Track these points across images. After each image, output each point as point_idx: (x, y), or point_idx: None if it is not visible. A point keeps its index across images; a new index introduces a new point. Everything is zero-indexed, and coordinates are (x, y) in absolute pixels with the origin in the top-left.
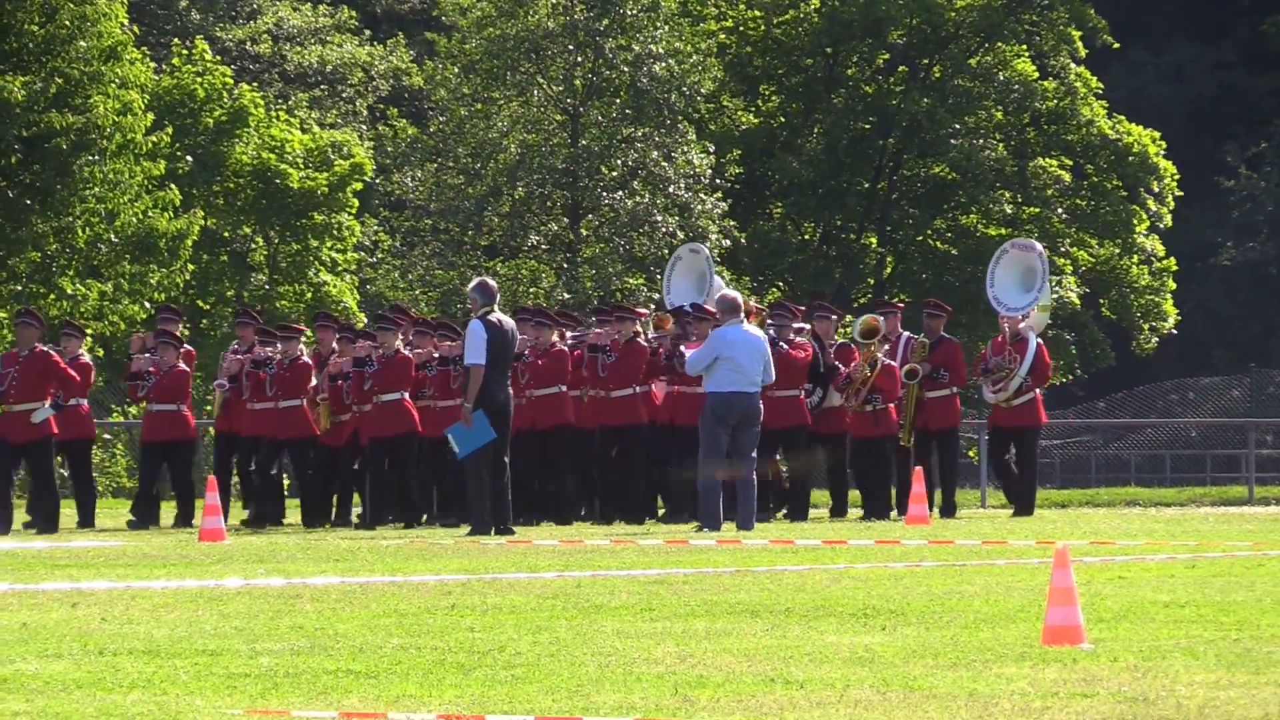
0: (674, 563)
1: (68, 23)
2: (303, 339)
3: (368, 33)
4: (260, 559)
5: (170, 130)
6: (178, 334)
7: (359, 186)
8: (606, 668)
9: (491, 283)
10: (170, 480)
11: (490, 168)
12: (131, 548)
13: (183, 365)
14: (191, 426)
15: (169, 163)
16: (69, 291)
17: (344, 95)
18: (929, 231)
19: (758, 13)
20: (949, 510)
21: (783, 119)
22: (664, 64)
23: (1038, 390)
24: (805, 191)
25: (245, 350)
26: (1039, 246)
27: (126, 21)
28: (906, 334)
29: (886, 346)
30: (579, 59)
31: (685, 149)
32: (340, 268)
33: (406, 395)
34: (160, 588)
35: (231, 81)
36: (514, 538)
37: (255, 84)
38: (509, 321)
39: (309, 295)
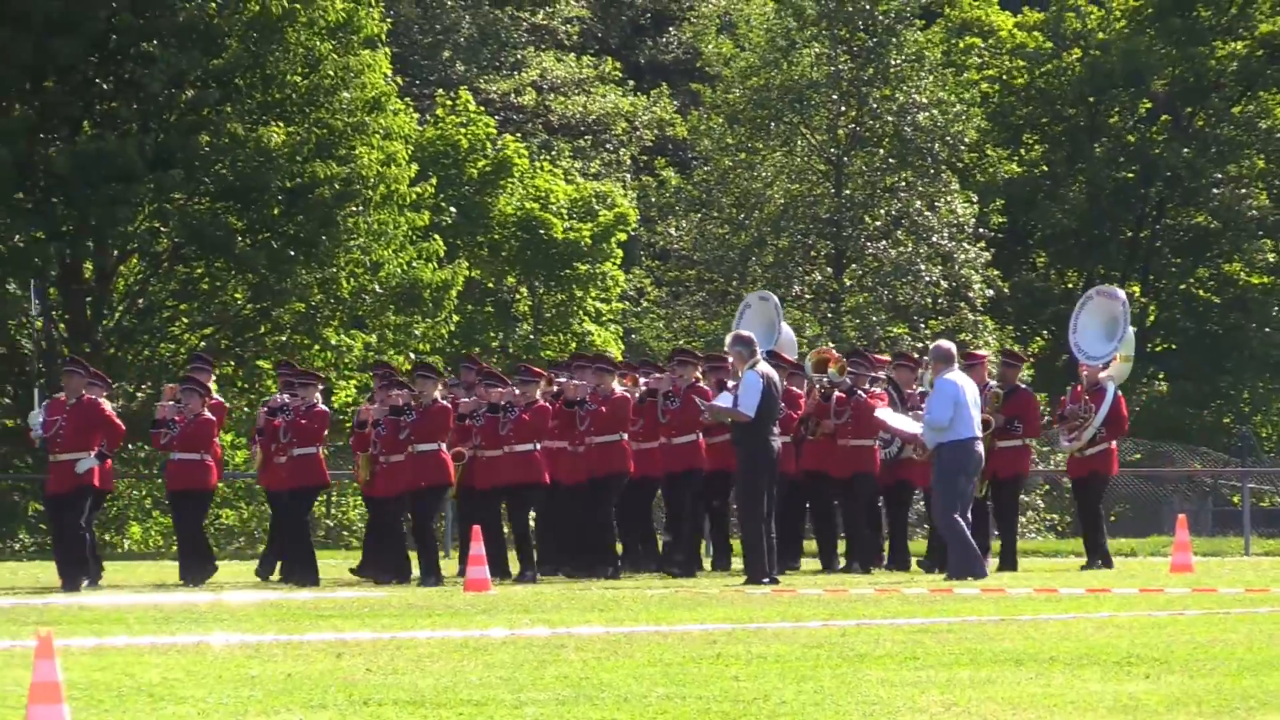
0: (938, 611)
1: (331, 74)
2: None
3: (631, 83)
4: (525, 609)
5: (434, 181)
6: (207, 383)
7: (623, 237)
8: (871, 716)
9: (750, 335)
10: (176, 531)
11: (754, 217)
12: (395, 598)
13: (208, 414)
14: (212, 477)
15: (433, 213)
16: (333, 342)
17: (608, 145)
18: (1191, 280)
19: (1020, 62)
20: (1010, 562)
21: (1045, 168)
22: (927, 114)
23: (1113, 442)
24: (1068, 240)
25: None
26: (1122, 295)
27: (390, 73)
28: (993, 384)
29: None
30: (843, 108)
31: (948, 198)
32: (605, 317)
33: (443, 446)
34: (425, 638)
35: (495, 132)
36: (779, 587)
37: (519, 135)
38: (774, 374)
39: (573, 345)
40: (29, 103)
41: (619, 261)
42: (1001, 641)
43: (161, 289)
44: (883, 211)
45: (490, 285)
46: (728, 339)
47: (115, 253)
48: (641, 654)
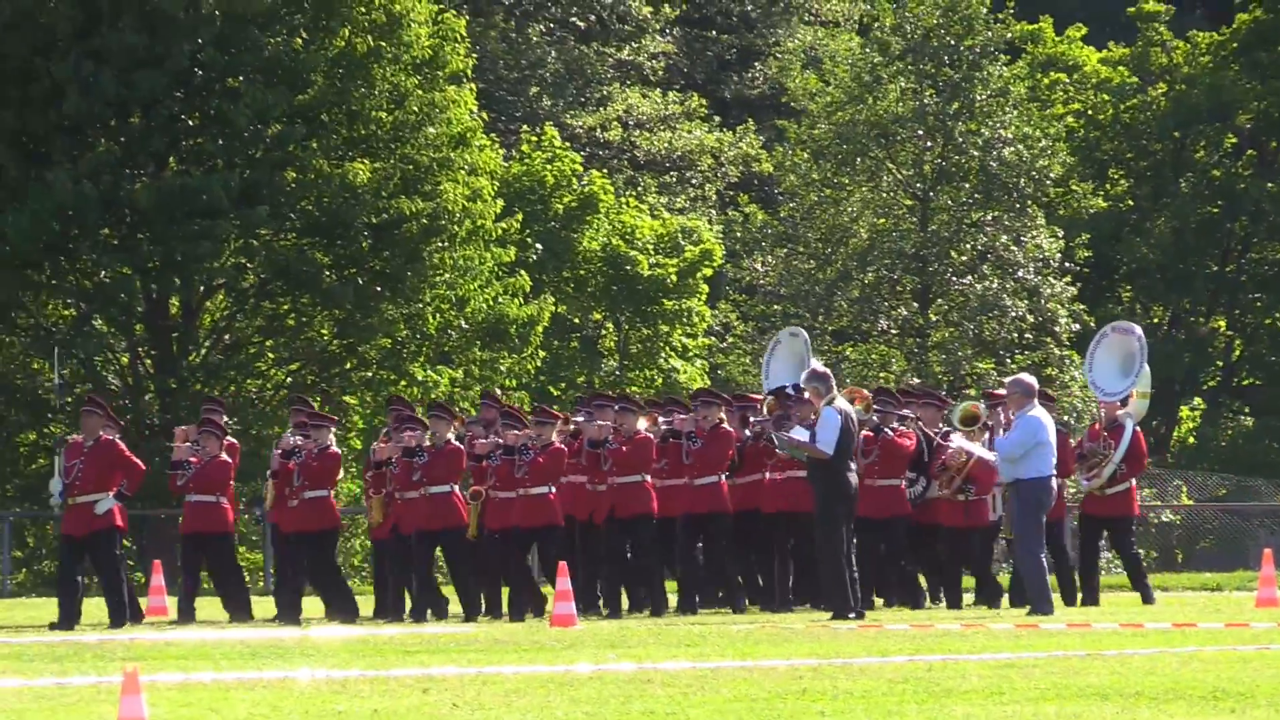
0: (1024, 646)
1: (416, 109)
2: (333, 429)
3: (716, 119)
4: (611, 644)
5: (520, 216)
6: (222, 424)
7: (709, 272)
8: None
9: (825, 370)
10: (211, 574)
11: (840, 252)
12: (482, 633)
13: (224, 456)
14: (230, 518)
15: (519, 249)
16: (419, 378)
17: (693, 181)
18: (1277, 314)
19: (1106, 97)
20: (1071, 598)
21: (1130, 202)
22: (1013, 149)
23: (1133, 480)
24: (1153, 275)
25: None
26: (1138, 330)
27: (475, 109)
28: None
29: (987, 435)
30: (928, 144)
31: (1034, 233)
32: (691, 353)
33: (455, 488)
34: (511, 673)
35: (581, 168)
36: (865, 622)
37: (605, 170)
38: (851, 409)
39: (659, 381)
40: (114, 138)
41: (704, 297)
42: (1087, 676)
43: (248, 325)
44: (968, 246)
45: (576, 321)
46: (803, 375)
47: (201, 289)
48: (727, 689)
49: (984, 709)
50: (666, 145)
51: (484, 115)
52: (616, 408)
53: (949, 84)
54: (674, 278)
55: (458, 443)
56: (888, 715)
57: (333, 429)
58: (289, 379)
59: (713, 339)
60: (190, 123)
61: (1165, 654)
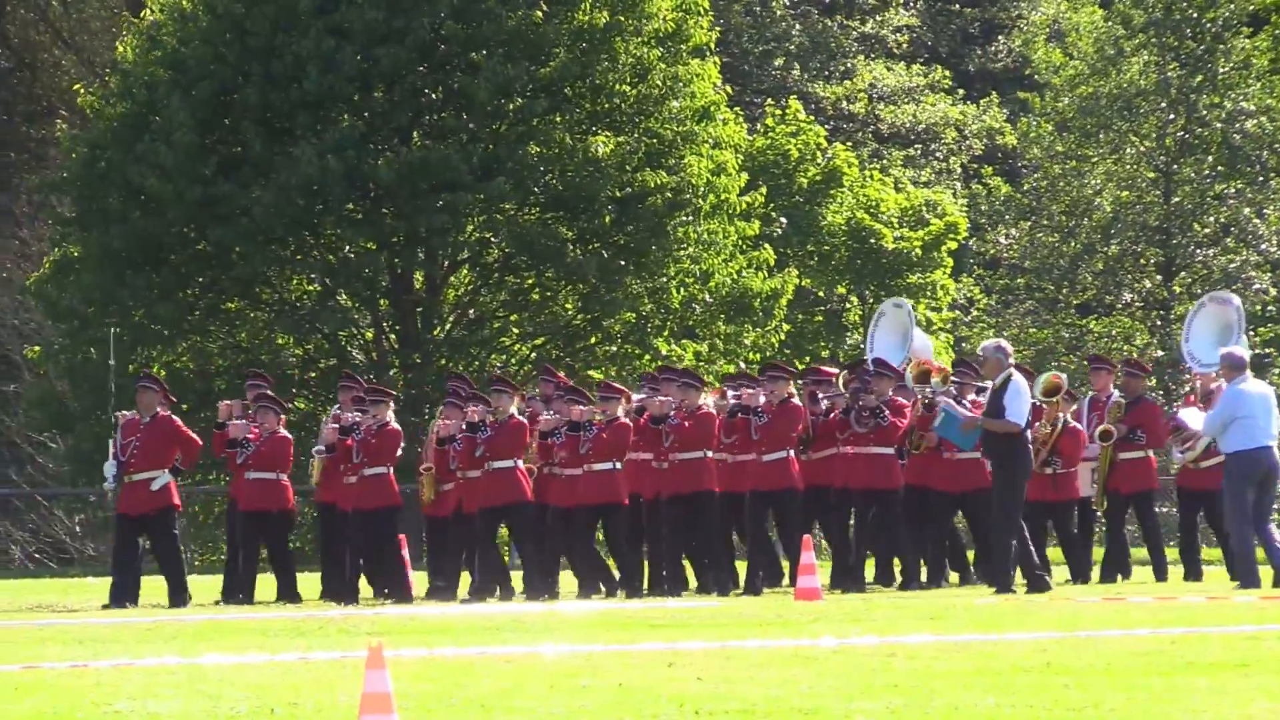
0: (1268, 618)
1: (659, 83)
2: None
3: (960, 92)
4: (854, 618)
5: (764, 190)
6: (279, 399)
7: (953, 245)
8: None
9: (1007, 344)
10: (267, 553)
11: (1083, 225)
12: (728, 608)
13: (283, 431)
14: (290, 496)
15: (763, 223)
16: (664, 351)
17: (937, 154)
18: None
19: None
20: (1162, 574)
21: None
22: (1255, 121)
23: None
24: None
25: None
26: (1236, 301)
27: (719, 82)
28: (1116, 393)
29: (1074, 406)
30: (1171, 116)
31: (1277, 206)
32: (935, 326)
33: (519, 463)
34: (755, 647)
35: (825, 141)
36: (1110, 595)
37: (849, 143)
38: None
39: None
40: (357, 113)
41: (949, 270)
42: None
43: (492, 299)
44: (1212, 219)
45: (820, 294)
46: (984, 345)
47: (445, 263)
48: (971, 663)
49: (1227, 681)
50: (911, 118)
51: (728, 89)
52: (680, 383)
53: (1191, 56)
54: (918, 251)
55: (520, 417)
56: (1131, 689)
57: (391, 404)
58: (533, 354)
59: (957, 312)
60: (433, 97)
61: None
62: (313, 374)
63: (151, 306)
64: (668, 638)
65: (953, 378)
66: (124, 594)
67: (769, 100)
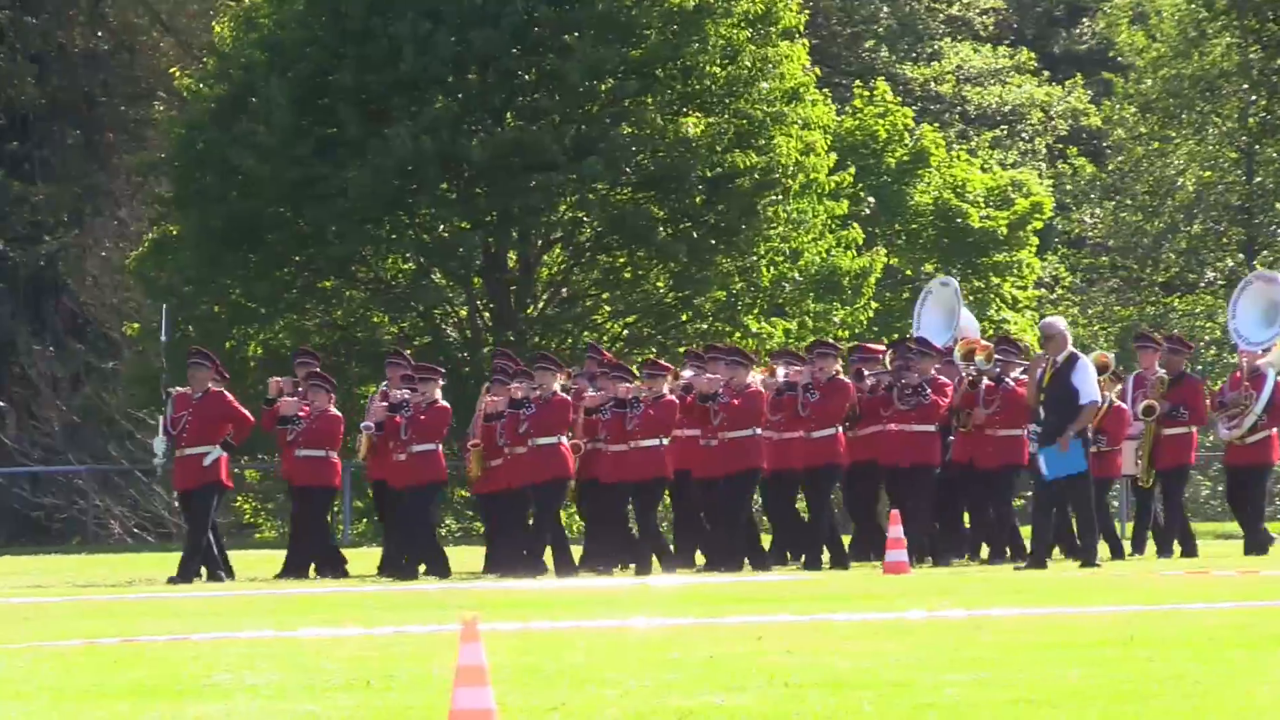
0: None
1: (749, 64)
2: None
3: (1046, 73)
4: (942, 591)
5: (852, 170)
6: (329, 377)
7: (1039, 225)
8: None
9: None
10: (302, 525)
11: (1167, 205)
12: (817, 582)
13: (334, 409)
14: (338, 473)
15: (851, 203)
16: (754, 330)
17: (1023, 135)
18: None
19: None
20: (1166, 550)
21: None
22: None
23: (1275, 429)
24: None
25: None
26: None
27: (808, 63)
28: (1160, 371)
29: (1119, 386)
30: (1253, 98)
31: None
32: (1020, 305)
33: (564, 440)
34: (843, 620)
35: (913, 122)
36: (1193, 568)
37: (936, 124)
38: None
39: (989, 332)
40: (452, 95)
41: (1034, 249)
42: None
43: (584, 278)
44: None
45: (909, 273)
46: (1048, 322)
47: (539, 242)
48: (1056, 636)
49: None
50: (997, 99)
51: (817, 70)
52: (728, 360)
53: (1273, 38)
54: (1004, 230)
55: (564, 394)
56: (1214, 661)
57: (440, 381)
58: (625, 331)
59: (1042, 290)
60: (526, 78)
61: None
62: (409, 351)
63: (249, 285)
64: (757, 611)
65: (996, 355)
66: (191, 569)
67: (857, 81)
